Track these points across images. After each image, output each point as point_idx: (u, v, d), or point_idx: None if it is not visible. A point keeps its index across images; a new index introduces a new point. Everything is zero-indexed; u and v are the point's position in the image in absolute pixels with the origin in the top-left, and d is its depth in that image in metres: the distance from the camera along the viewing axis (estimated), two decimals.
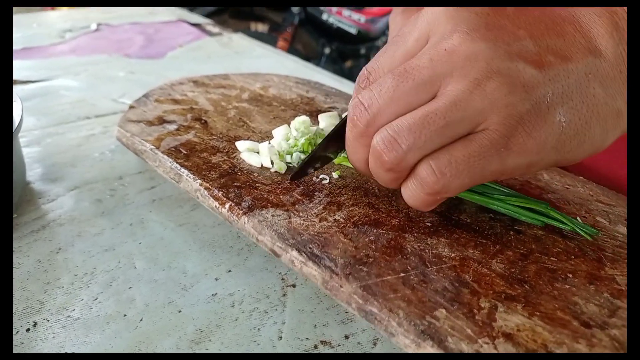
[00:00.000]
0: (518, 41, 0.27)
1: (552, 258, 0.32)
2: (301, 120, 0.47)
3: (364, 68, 0.32)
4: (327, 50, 3.06)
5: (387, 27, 3.15)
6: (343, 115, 0.52)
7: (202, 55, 0.92)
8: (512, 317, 0.27)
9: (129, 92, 0.73)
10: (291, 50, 2.91)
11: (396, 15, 0.48)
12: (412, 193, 0.29)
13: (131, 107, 0.52)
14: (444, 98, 0.27)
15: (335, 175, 0.41)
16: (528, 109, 0.26)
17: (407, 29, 0.30)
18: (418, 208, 0.31)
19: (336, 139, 0.36)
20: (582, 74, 0.27)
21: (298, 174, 0.37)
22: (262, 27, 3.32)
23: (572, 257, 0.32)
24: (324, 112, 0.55)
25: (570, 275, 0.31)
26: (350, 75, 3.31)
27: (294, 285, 0.37)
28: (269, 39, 2.94)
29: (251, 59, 0.93)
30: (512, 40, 0.27)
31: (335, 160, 0.41)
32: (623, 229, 0.36)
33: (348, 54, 3.25)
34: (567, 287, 0.30)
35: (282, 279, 0.38)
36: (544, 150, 0.27)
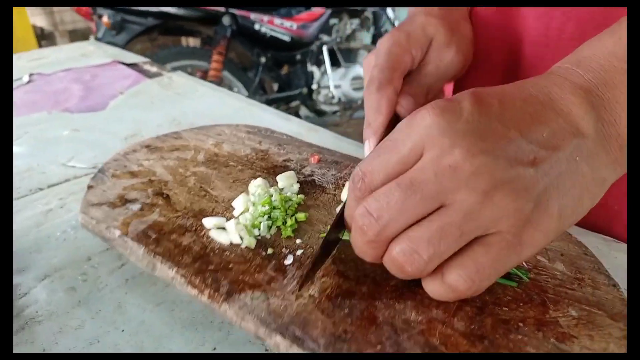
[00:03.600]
0: (512, 143, 0.30)
1: (504, 308, 0.37)
2: (257, 184, 0.50)
3: (357, 167, 0.34)
4: (262, 59, 3.08)
5: (319, 31, 3.20)
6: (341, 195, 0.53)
7: (145, 101, 0.92)
8: None
9: (77, 155, 0.72)
10: (227, 62, 2.90)
11: (369, 56, 0.51)
12: (442, 295, 0.32)
13: (89, 186, 0.52)
14: (457, 211, 0.29)
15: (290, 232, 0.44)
16: (532, 208, 0.29)
17: (399, 136, 0.32)
18: (445, 300, 0.35)
19: (334, 237, 0.39)
20: (571, 158, 0.31)
21: (305, 281, 0.38)
22: (193, 42, 3.28)
23: (521, 304, 0.37)
24: (280, 166, 0.57)
25: (521, 324, 0.35)
26: (289, 81, 3.34)
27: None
28: (202, 53, 2.91)
29: (195, 100, 0.94)
30: (507, 144, 0.30)
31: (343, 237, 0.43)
32: (560, 266, 0.42)
33: (284, 60, 3.27)
34: (520, 337, 0.34)
35: (266, 350, 0.41)
36: (549, 236, 0.31)
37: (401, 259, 0.31)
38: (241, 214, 0.47)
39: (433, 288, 0.33)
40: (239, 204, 0.48)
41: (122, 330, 0.43)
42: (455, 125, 0.30)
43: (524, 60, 0.59)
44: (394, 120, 0.48)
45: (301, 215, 0.47)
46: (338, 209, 0.49)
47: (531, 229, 0.30)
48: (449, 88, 0.76)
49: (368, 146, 0.48)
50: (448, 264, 0.31)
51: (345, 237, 0.43)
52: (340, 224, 0.39)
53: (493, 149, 0.30)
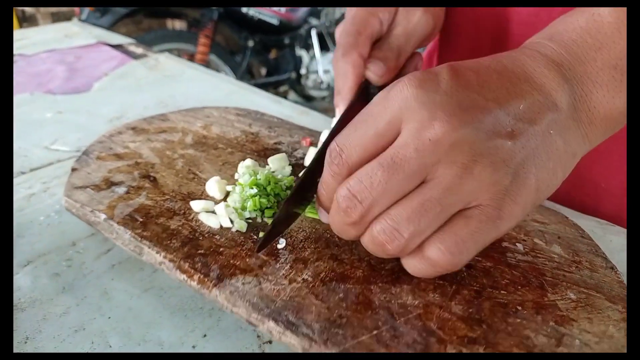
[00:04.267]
0: (490, 115, 0.30)
1: (502, 291, 0.36)
2: (246, 165, 0.49)
3: (333, 142, 0.33)
4: (250, 43, 3.04)
5: (308, 15, 3.16)
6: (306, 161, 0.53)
7: (131, 84, 0.90)
8: None
9: (61, 137, 0.70)
10: (214, 45, 2.85)
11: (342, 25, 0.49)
12: (421, 271, 0.32)
13: (73, 169, 0.51)
14: (437, 185, 0.29)
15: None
16: (510, 180, 0.29)
17: (376, 108, 0.32)
18: (425, 277, 0.34)
19: (297, 198, 0.38)
20: (546, 132, 0.31)
21: (263, 244, 0.38)
22: (179, 25, 3.23)
23: (519, 287, 0.36)
24: (271, 149, 0.56)
25: (520, 308, 0.34)
26: (277, 65, 3.30)
27: (270, 342, 0.39)
28: (189, 36, 2.86)
29: (183, 82, 0.91)
30: (486, 116, 0.30)
31: (306, 214, 0.43)
32: (558, 249, 0.41)
33: (272, 44, 3.23)
34: (519, 320, 0.33)
35: (258, 337, 0.40)
36: (526, 208, 0.31)
37: (382, 237, 0.31)
38: (226, 196, 0.46)
39: (413, 264, 0.32)
40: (213, 189, 0.46)
41: (109, 317, 0.41)
42: (434, 96, 0.30)
43: (512, 40, 0.58)
44: (364, 86, 0.47)
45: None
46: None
47: (510, 201, 0.30)
48: (432, 62, 0.75)
49: (338, 113, 0.47)
50: (428, 239, 0.31)
51: (309, 213, 0.42)
52: (302, 195, 0.38)
53: (472, 120, 0.29)
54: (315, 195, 0.37)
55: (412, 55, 0.52)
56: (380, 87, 0.47)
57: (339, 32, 0.50)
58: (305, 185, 0.37)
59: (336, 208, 0.32)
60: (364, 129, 0.32)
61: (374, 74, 0.47)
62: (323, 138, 0.53)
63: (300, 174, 0.48)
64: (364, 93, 0.47)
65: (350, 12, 0.49)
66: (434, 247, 0.30)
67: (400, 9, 0.50)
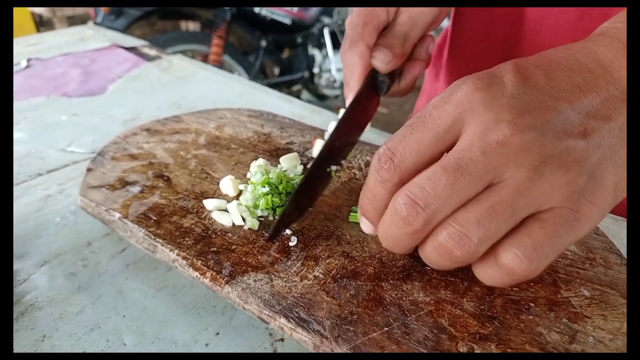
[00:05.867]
0: (560, 115, 0.28)
1: (514, 288, 0.36)
2: (258, 164, 0.49)
3: (384, 146, 0.31)
4: (263, 43, 3.04)
5: (320, 13, 3.16)
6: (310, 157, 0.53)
7: (145, 85, 0.91)
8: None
9: (76, 139, 0.71)
10: (227, 46, 2.87)
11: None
12: (496, 280, 0.29)
13: (89, 169, 0.51)
14: (506, 188, 0.28)
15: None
16: (586, 180, 0.28)
17: (435, 111, 0.30)
18: (500, 286, 0.32)
19: (306, 192, 0.38)
20: (622, 126, 0.29)
21: (274, 234, 0.39)
22: (193, 26, 3.25)
23: (532, 284, 0.36)
24: (283, 149, 0.56)
25: (532, 305, 0.34)
26: (290, 64, 3.31)
27: (282, 340, 0.39)
28: (202, 37, 2.88)
29: (196, 83, 0.92)
30: (555, 117, 0.28)
31: (350, 219, 0.43)
32: (571, 246, 0.40)
33: (284, 44, 3.24)
34: (531, 317, 0.33)
35: (270, 334, 0.40)
36: (604, 210, 0.29)
37: (450, 244, 0.28)
38: (239, 195, 0.46)
39: (486, 273, 0.30)
40: (227, 187, 0.47)
41: (124, 316, 0.42)
42: (499, 99, 0.28)
43: (524, 37, 0.58)
44: (371, 75, 0.47)
45: None
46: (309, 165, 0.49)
47: (587, 202, 0.28)
48: (443, 60, 0.75)
49: (348, 104, 0.47)
50: (501, 245, 0.28)
51: (353, 218, 0.42)
52: (310, 187, 0.37)
53: (541, 122, 0.28)
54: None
55: (423, 38, 0.52)
56: (388, 75, 0.47)
57: (347, 25, 0.51)
58: (314, 177, 0.37)
59: (393, 217, 0.30)
60: (421, 131, 0.30)
61: (380, 61, 0.46)
62: (331, 129, 0.53)
63: (308, 166, 0.48)
64: (372, 82, 0.47)
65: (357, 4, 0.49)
66: (509, 253, 0.28)
67: None
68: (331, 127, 0.53)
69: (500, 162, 0.27)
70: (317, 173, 0.37)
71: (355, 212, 0.43)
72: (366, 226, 0.34)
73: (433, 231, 0.29)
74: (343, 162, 0.45)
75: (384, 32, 0.49)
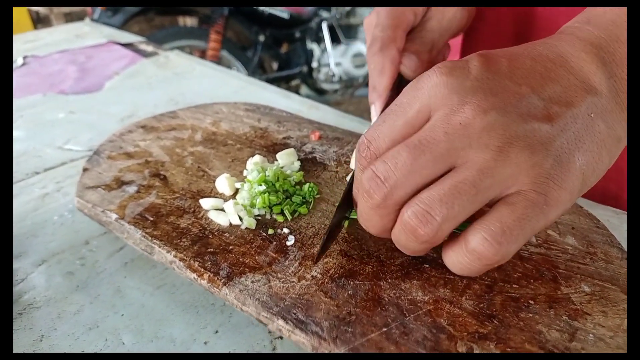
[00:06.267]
0: (523, 99, 0.29)
1: (514, 285, 0.35)
2: (254, 162, 0.49)
3: (362, 136, 0.32)
4: (261, 38, 3.03)
5: (318, 8, 3.14)
6: (348, 175, 0.52)
7: (142, 82, 0.90)
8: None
9: (73, 137, 0.71)
10: (225, 41, 2.86)
11: (371, 16, 0.49)
12: (466, 266, 0.30)
13: (85, 169, 0.51)
14: (470, 168, 0.28)
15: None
16: (552, 163, 0.28)
17: (405, 99, 0.31)
18: (469, 275, 0.31)
19: (344, 204, 0.38)
20: (586, 115, 0.30)
21: (321, 254, 0.37)
22: (190, 21, 3.23)
23: (531, 280, 0.36)
24: (280, 144, 0.56)
25: (532, 302, 0.34)
26: (288, 59, 3.30)
27: (281, 337, 0.39)
28: (200, 32, 2.87)
29: (193, 79, 0.92)
30: (518, 100, 0.29)
31: (351, 215, 0.42)
32: (571, 240, 0.40)
33: (283, 38, 3.22)
34: (531, 315, 0.33)
35: (269, 332, 0.40)
36: (573, 194, 0.29)
37: (413, 222, 0.29)
38: (235, 194, 0.46)
39: (455, 259, 0.30)
40: (223, 186, 0.46)
41: (122, 315, 0.42)
42: (464, 82, 0.29)
43: (535, 28, 0.57)
44: (398, 80, 0.46)
45: (303, 209, 0.44)
46: (348, 178, 0.48)
47: (555, 186, 0.28)
48: (455, 53, 0.74)
49: (374, 110, 0.46)
50: (470, 229, 0.29)
51: (353, 215, 0.42)
52: (347, 201, 0.37)
53: (504, 104, 0.29)
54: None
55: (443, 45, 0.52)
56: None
57: (371, 24, 0.49)
58: (351, 187, 0.37)
59: (361, 193, 0.31)
60: (392, 119, 0.31)
61: (408, 68, 0.46)
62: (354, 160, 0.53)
63: (348, 178, 0.48)
64: (398, 87, 0.46)
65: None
66: (478, 237, 0.28)
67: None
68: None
69: (463, 143, 0.28)
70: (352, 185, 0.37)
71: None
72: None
73: (400, 211, 0.30)
74: None
75: (409, 35, 0.49)
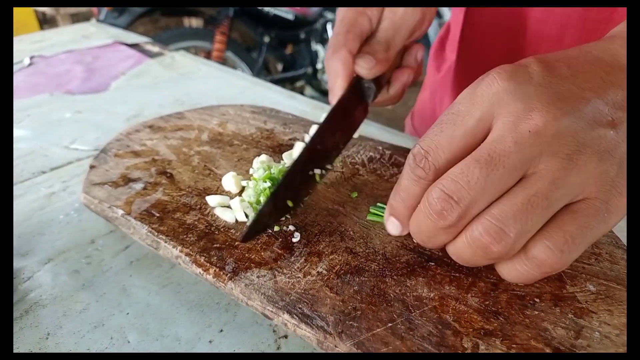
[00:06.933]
0: (589, 105, 0.28)
1: (519, 283, 0.35)
2: (260, 160, 0.49)
3: (417, 146, 0.31)
4: (266, 39, 3.04)
5: (323, 9, 3.15)
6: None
7: (148, 82, 0.91)
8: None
9: (80, 137, 0.71)
10: (230, 42, 2.86)
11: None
12: (524, 274, 0.29)
13: (92, 166, 0.51)
14: (542, 179, 0.27)
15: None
16: (617, 171, 0.28)
17: (463, 107, 0.30)
18: (524, 283, 0.31)
19: (285, 193, 0.38)
20: None
21: (247, 235, 0.38)
22: (196, 22, 3.24)
23: None
24: (286, 145, 0.56)
25: (537, 300, 0.34)
26: (293, 60, 3.30)
27: (285, 337, 0.39)
28: (205, 33, 2.87)
29: (198, 80, 0.92)
30: (585, 105, 0.28)
31: (368, 217, 0.43)
32: None
33: (288, 40, 3.23)
34: (536, 313, 0.33)
35: (274, 331, 0.40)
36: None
37: (486, 239, 0.28)
38: (241, 192, 0.46)
39: (512, 266, 0.29)
40: (229, 184, 0.46)
41: (127, 313, 0.42)
42: (527, 88, 0.28)
43: (531, 28, 0.57)
44: (355, 81, 0.47)
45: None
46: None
47: (617, 193, 0.28)
48: (445, 53, 0.74)
49: None
50: (532, 238, 0.28)
51: (372, 217, 0.42)
52: (290, 188, 0.37)
53: (572, 110, 0.27)
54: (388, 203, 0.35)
55: (411, 46, 0.52)
56: (374, 81, 0.47)
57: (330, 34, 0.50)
58: (294, 179, 0.37)
59: (427, 212, 0.30)
60: (451, 129, 0.30)
61: (362, 67, 0.46)
62: (312, 133, 0.53)
63: (287, 166, 0.48)
64: (357, 88, 0.47)
65: (340, 13, 0.49)
66: (541, 245, 0.27)
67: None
68: (312, 130, 0.53)
69: (533, 152, 0.27)
70: (297, 175, 0.37)
71: (376, 211, 0.43)
72: (394, 226, 0.34)
73: (467, 226, 0.29)
74: (329, 166, 0.45)
75: (368, 39, 0.49)
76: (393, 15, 0.49)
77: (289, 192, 0.38)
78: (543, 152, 0.27)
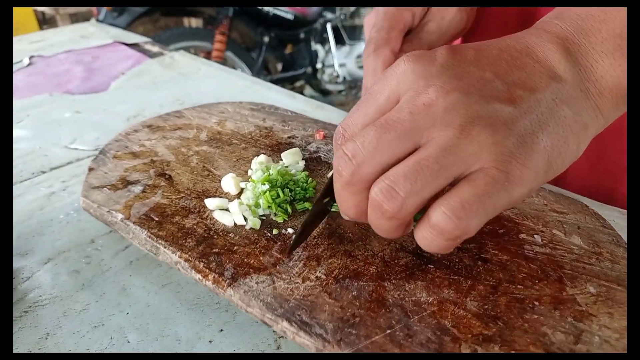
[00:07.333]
0: (487, 83, 0.30)
1: (519, 286, 0.35)
2: (259, 161, 0.49)
3: (338, 125, 0.34)
4: (266, 39, 3.03)
5: (322, 8, 3.14)
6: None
7: (147, 82, 0.91)
8: None
9: (79, 136, 0.71)
10: (230, 42, 2.86)
11: (370, 17, 0.49)
12: (431, 242, 0.30)
13: (90, 169, 0.51)
14: (433, 145, 0.29)
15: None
16: (514, 142, 0.29)
17: (376, 87, 0.33)
18: (438, 252, 0.32)
19: (325, 197, 0.38)
20: (550, 100, 0.30)
21: (293, 247, 0.38)
22: (195, 22, 3.24)
23: (537, 281, 0.36)
24: (285, 143, 0.56)
25: (537, 303, 0.34)
26: (293, 60, 3.30)
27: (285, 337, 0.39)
28: (205, 33, 2.87)
29: (198, 80, 0.92)
30: (482, 84, 0.30)
31: (331, 209, 0.43)
32: (577, 240, 0.40)
33: (287, 39, 3.23)
34: (536, 317, 0.33)
35: (274, 331, 0.40)
36: (539, 175, 0.29)
37: (379, 197, 0.29)
38: (240, 193, 0.46)
39: (421, 234, 0.30)
40: (229, 185, 0.46)
41: (127, 313, 0.42)
42: (429, 68, 0.31)
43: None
44: None
45: (307, 204, 0.45)
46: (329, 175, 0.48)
47: (518, 164, 0.28)
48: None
49: None
50: (432, 205, 0.29)
51: (334, 208, 0.42)
52: (329, 193, 0.37)
53: (467, 86, 0.30)
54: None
55: None
56: None
57: (369, 24, 0.50)
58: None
59: (335, 173, 0.32)
60: (365, 107, 0.33)
61: None
62: None
63: (329, 175, 0.48)
64: None
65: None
66: (439, 212, 0.28)
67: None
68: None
69: (426, 122, 0.29)
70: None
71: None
72: None
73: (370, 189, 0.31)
74: None
75: (408, 36, 0.49)
76: (440, 19, 0.49)
77: (327, 197, 0.38)
78: (435, 122, 0.29)
